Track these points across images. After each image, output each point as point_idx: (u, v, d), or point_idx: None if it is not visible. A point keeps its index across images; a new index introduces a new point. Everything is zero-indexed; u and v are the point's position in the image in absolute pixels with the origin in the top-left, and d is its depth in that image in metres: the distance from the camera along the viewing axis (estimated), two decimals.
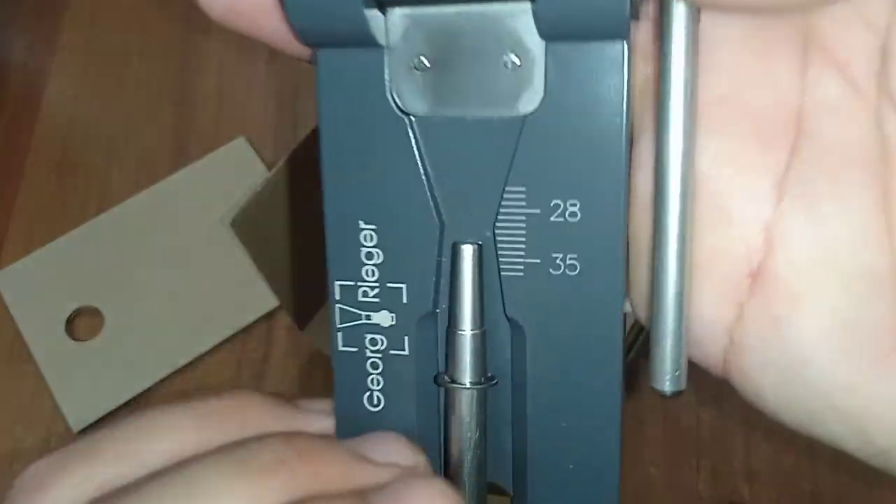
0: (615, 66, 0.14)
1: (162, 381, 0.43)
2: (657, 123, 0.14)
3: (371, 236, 0.16)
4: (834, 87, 0.14)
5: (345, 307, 0.16)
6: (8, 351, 0.44)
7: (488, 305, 0.16)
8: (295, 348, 0.45)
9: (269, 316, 0.45)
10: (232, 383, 0.43)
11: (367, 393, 0.16)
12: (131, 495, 0.15)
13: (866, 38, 0.14)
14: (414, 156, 0.15)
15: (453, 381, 0.16)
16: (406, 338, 0.16)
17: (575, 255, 0.15)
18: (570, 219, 0.15)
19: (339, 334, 0.16)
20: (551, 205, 0.15)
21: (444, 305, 0.16)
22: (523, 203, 0.15)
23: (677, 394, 0.15)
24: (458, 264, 0.15)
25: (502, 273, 0.15)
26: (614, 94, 0.14)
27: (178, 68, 0.50)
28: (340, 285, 0.16)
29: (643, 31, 0.15)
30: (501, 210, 0.15)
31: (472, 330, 0.15)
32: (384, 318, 0.16)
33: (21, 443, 0.42)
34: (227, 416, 0.17)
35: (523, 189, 0.15)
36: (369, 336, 0.16)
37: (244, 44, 0.52)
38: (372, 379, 0.16)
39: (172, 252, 0.46)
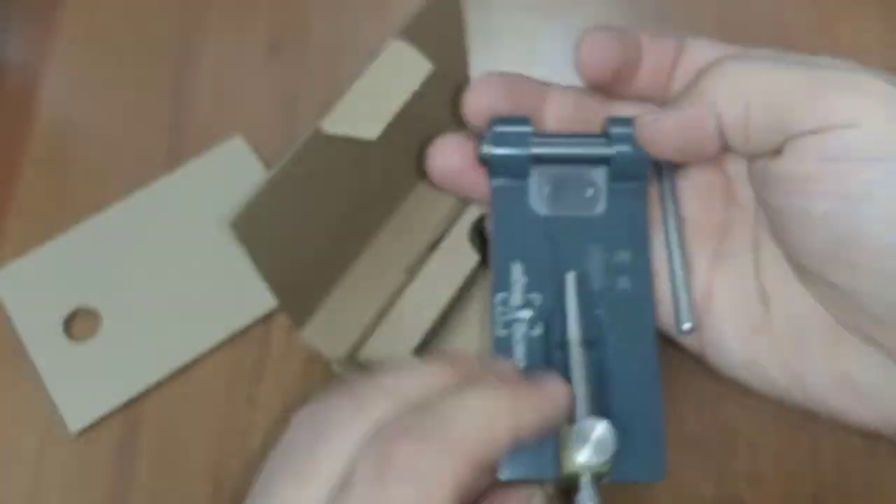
0: (641, 194, 0.28)
1: (159, 381, 0.43)
2: (666, 234, 0.28)
3: (520, 269, 0.27)
4: (735, 213, 0.27)
5: (503, 308, 0.27)
6: (4, 351, 0.44)
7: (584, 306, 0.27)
8: (292, 350, 0.44)
9: (267, 318, 0.45)
10: (229, 384, 0.43)
11: (512, 359, 0.27)
12: (417, 409, 0.21)
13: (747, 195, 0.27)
14: (542, 232, 0.28)
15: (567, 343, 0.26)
16: (539, 323, 0.26)
17: (628, 278, 0.27)
18: (622, 282, 0.27)
19: (497, 326, 0.26)
20: (616, 263, 0.27)
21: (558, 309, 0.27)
22: (600, 255, 0.28)
23: (691, 331, 0.27)
24: (567, 285, 0.27)
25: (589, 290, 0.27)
26: (640, 208, 0.28)
27: (175, 67, 0.50)
28: (501, 296, 0.27)
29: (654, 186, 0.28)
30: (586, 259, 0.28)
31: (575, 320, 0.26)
32: (526, 314, 0.27)
33: (18, 443, 0.42)
34: (460, 363, 0.24)
35: (600, 247, 0.28)
36: (517, 325, 0.26)
37: (241, 43, 0.52)
38: (515, 351, 0.26)
39: (170, 252, 0.46)
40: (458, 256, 0.40)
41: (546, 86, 0.28)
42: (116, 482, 0.41)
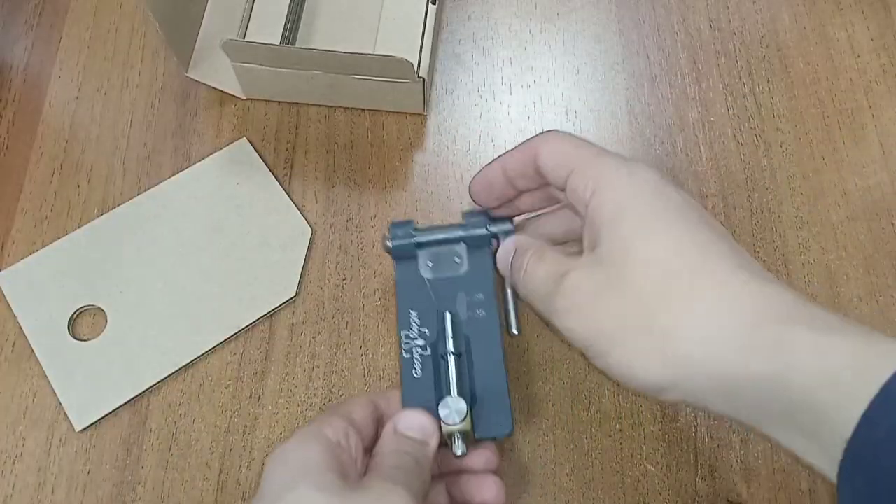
0: (488, 256, 0.41)
1: (164, 379, 0.44)
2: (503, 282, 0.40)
3: (415, 314, 0.40)
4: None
5: (406, 340, 0.39)
6: (11, 350, 0.44)
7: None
8: (296, 347, 0.45)
9: (271, 315, 0.45)
10: (233, 381, 0.44)
11: (413, 370, 0.39)
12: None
13: None
14: (428, 289, 0.40)
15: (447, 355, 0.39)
16: (429, 347, 0.39)
17: (482, 310, 0.40)
18: (479, 312, 0.40)
19: (403, 351, 0.39)
20: (474, 301, 0.40)
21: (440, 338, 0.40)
22: (464, 298, 0.40)
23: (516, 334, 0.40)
24: (445, 322, 0.40)
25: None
26: (489, 266, 0.41)
27: (181, 70, 0.50)
28: (403, 332, 0.39)
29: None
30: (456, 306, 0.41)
31: (453, 343, 0.39)
32: (420, 342, 0.39)
33: (24, 441, 0.42)
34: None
35: (465, 293, 0.40)
36: (415, 349, 0.39)
37: None
38: (415, 365, 0.39)
39: (174, 252, 0.46)
40: None
41: (512, 187, 0.40)
42: (123, 477, 0.42)
